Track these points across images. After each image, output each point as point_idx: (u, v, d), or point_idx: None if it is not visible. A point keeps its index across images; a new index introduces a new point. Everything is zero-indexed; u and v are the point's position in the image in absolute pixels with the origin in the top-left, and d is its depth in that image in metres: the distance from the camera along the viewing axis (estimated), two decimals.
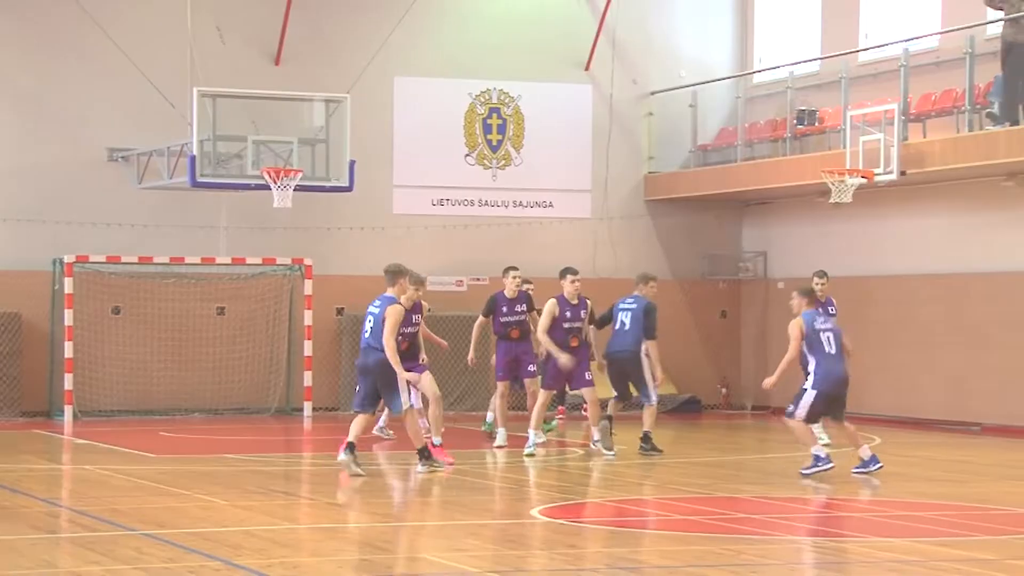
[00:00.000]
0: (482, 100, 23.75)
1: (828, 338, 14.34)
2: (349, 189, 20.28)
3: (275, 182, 19.34)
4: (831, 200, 20.01)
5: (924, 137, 20.01)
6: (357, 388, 14.40)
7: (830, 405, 14.25)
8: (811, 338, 14.30)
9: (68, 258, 21.22)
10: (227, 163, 19.91)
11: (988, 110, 18.92)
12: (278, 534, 10.86)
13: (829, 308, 16.97)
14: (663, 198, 24.19)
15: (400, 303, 14.15)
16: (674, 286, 24.29)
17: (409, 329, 15.18)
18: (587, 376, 15.98)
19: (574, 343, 15.91)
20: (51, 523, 11.56)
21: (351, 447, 14.06)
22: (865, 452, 14.30)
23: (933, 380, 21.16)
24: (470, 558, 9.81)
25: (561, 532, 11.02)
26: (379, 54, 22.11)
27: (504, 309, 16.84)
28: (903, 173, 19.47)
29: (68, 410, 20.91)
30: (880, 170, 19.52)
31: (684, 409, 23.39)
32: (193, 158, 19.49)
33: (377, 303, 14.18)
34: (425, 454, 14.27)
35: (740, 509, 12.38)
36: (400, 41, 22.46)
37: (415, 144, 23.26)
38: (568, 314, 15.95)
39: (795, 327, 14.35)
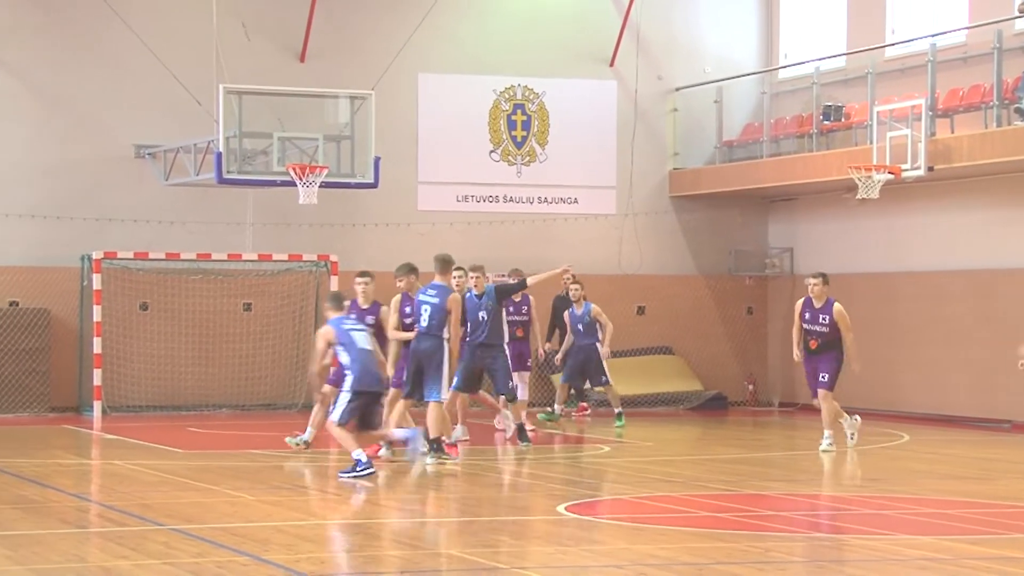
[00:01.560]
0: (507, 96, 23.76)
1: (363, 336, 13.49)
2: (374, 186, 20.32)
3: (301, 178, 19.37)
4: (858, 196, 19.96)
5: (952, 132, 19.92)
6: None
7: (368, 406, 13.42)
8: (343, 340, 13.37)
9: (96, 254, 21.31)
10: (253, 160, 19.96)
11: (1016, 105, 18.83)
12: (305, 529, 10.88)
13: (821, 317, 16.19)
14: (688, 194, 24.16)
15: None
16: (700, 282, 24.28)
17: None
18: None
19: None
20: (81, 518, 11.62)
21: (435, 442, 14.36)
22: (360, 455, 13.23)
23: (962, 377, 21.07)
24: (498, 554, 9.82)
25: (588, 528, 11.02)
26: (403, 51, 22.13)
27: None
28: (930, 169, 19.40)
29: (97, 405, 21.01)
30: (907, 166, 19.46)
31: (710, 406, 23.37)
32: (219, 155, 19.54)
33: (432, 292, 14.35)
34: (436, 446, 14.32)
35: (767, 506, 12.35)
36: (424, 37, 22.48)
37: (440, 140, 23.29)
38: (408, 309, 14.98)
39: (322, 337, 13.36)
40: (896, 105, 19.92)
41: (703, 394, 23.57)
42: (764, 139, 23.11)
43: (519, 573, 9.05)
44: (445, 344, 14.24)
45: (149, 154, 21.77)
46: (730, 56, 24.40)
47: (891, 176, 19.58)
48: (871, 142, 20.12)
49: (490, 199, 23.56)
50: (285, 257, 22.19)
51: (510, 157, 23.76)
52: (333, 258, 22.28)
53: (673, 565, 9.36)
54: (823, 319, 16.20)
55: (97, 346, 21.09)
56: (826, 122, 21.94)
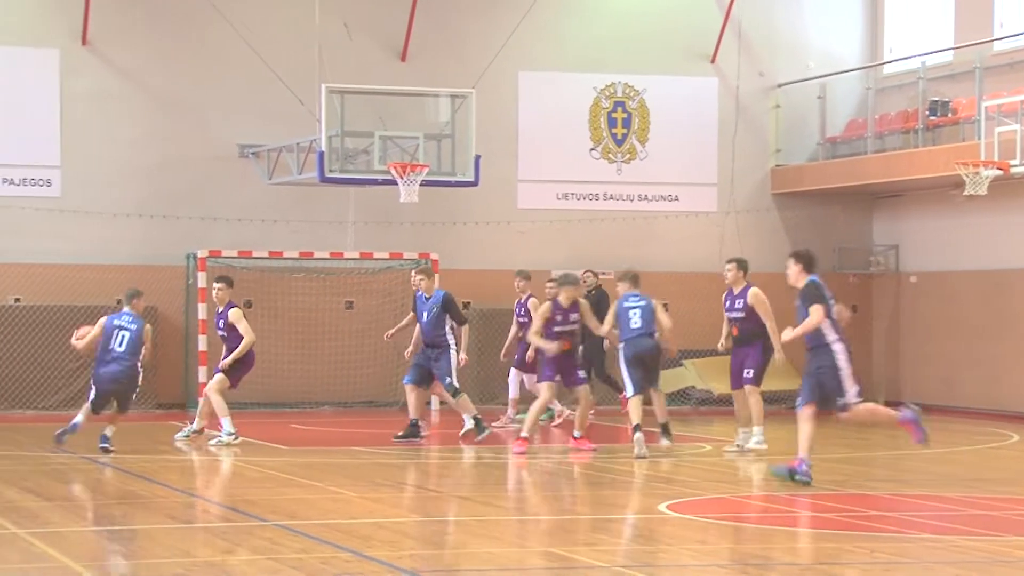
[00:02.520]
0: (607, 94, 23.69)
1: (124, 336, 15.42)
2: (474, 184, 20.35)
3: (402, 177, 19.45)
4: (965, 192, 19.64)
5: None
6: (629, 374, 15.46)
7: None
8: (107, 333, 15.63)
9: (201, 253, 21.57)
10: (355, 159, 20.08)
11: None
12: (407, 526, 10.93)
13: (736, 302, 15.50)
14: (791, 191, 23.93)
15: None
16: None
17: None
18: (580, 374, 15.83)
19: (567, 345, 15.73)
20: (187, 513, 11.77)
21: (665, 428, 15.78)
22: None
23: None
24: (599, 552, 9.79)
25: (690, 528, 10.94)
26: (504, 49, 22.15)
27: (559, 318, 16.06)
28: None
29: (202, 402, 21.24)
30: (1016, 161, 19.09)
31: None
32: (322, 154, 19.69)
33: (636, 298, 15.62)
34: (665, 430, 15.83)
35: (872, 506, 12.19)
36: (525, 36, 22.48)
37: (540, 138, 23.29)
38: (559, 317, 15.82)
39: None
40: (1005, 100, 19.56)
41: None
42: (868, 135, 22.83)
43: (621, 571, 9.01)
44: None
45: (253, 153, 22.01)
46: (834, 51, 24.13)
47: (999, 172, 19.23)
48: (979, 138, 19.77)
49: (590, 197, 23.52)
50: (386, 255, 22.32)
51: (610, 155, 23.70)
52: (434, 256, 22.36)
53: (776, 565, 9.27)
54: (738, 304, 15.52)
55: (202, 343, 21.34)
56: (932, 117, 21.62)
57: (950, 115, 21.51)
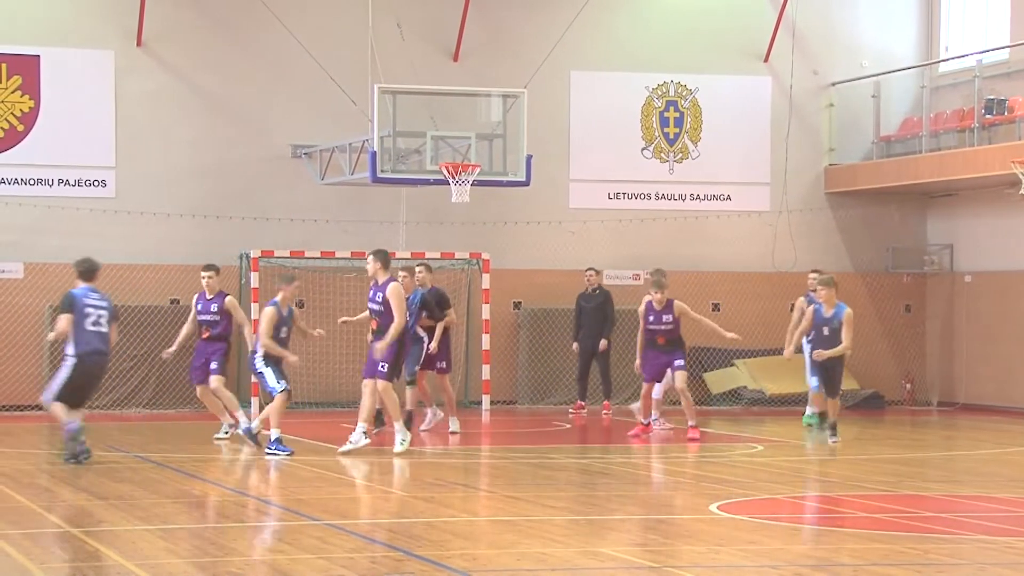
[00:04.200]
0: (659, 93, 23.64)
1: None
2: (526, 183, 20.34)
3: (453, 177, 19.48)
4: (1021, 191, 19.47)
5: None
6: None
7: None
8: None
9: (254, 253, 21.70)
10: (406, 159, 20.12)
11: None
12: (457, 526, 10.94)
13: (378, 295, 15.04)
14: (844, 190, 23.79)
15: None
16: (856, 280, 23.88)
17: None
18: None
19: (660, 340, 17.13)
20: (238, 512, 11.83)
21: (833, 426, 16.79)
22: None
23: None
24: (649, 553, 9.76)
25: (741, 528, 10.90)
26: (556, 49, 22.13)
27: (651, 318, 17.33)
28: None
29: (254, 402, 21.39)
30: None
31: (866, 405, 22.99)
32: (374, 154, 19.75)
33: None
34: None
35: (926, 507, 12.10)
36: (577, 35, 22.46)
37: (592, 138, 23.27)
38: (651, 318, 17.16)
39: None
40: None
41: (859, 393, 23.19)
42: (923, 134, 22.66)
43: (671, 572, 8.99)
44: None
45: (305, 154, 22.12)
46: (888, 50, 23.96)
47: None
48: None
49: (642, 197, 23.46)
50: (437, 255, 22.35)
51: (662, 154, 23.64)
52: (485, 256, 22.39)
53: (829, 566, 9.21)
54: (378, 297, 15.04)
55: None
56: (988, 116, 21.43)
57: (1006, 113, 21.32)
